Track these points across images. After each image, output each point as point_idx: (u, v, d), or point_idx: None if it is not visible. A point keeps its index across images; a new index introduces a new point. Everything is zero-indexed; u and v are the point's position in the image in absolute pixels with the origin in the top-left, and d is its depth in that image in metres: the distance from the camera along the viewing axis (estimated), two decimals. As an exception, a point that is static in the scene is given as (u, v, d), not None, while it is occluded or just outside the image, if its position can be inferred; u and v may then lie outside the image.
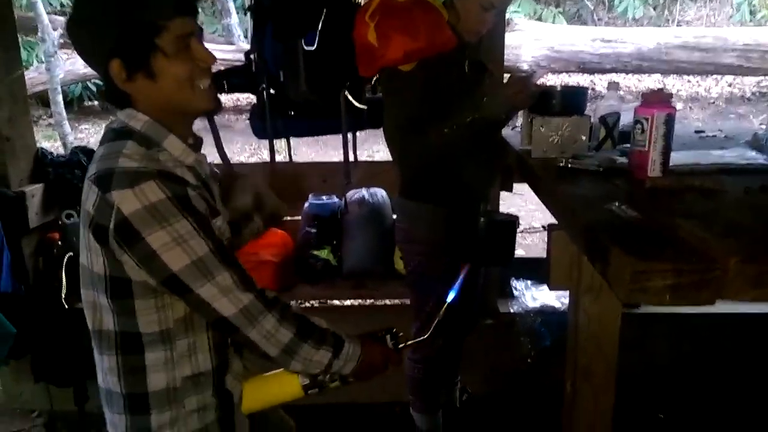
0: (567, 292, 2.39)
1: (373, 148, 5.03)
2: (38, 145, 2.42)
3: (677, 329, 2.36)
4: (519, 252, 2.84)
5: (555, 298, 2.42)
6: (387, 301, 2.50)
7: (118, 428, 1.08)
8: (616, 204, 1.25)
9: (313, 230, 2.43)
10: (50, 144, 6.00)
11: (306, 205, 2.47)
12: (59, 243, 2.31)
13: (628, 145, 1.55)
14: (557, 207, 1.37)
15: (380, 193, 2.46)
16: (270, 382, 1.18)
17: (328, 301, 2.50)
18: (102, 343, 1.05)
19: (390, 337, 1.24)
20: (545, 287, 2.49)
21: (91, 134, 7.09)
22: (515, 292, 2.47)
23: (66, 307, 2.22)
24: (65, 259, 2.26)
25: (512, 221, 1.46)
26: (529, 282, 2.52)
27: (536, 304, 2.41)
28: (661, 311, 2.30)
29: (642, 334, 2.33)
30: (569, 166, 1.63)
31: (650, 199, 1.31)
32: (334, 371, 1.11)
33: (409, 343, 1.29)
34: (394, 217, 2.45)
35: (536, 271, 2.54)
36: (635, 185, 1.43)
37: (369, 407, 2.33)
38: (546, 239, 1.43)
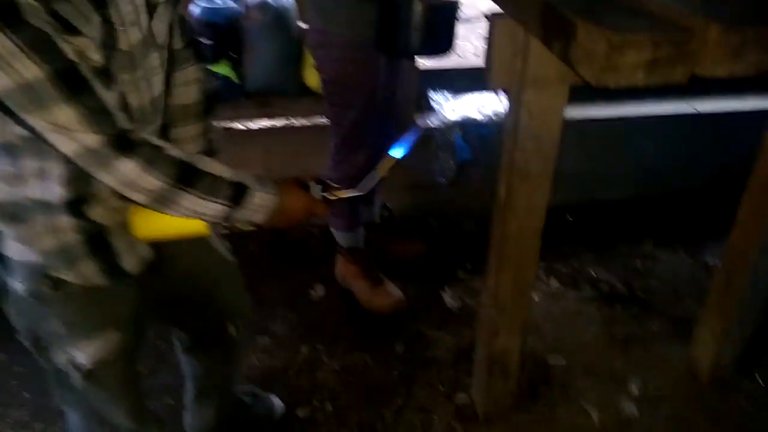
0: (487, 103, 2.35)
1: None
2: None
3: (584, 133, 2.38)
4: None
5: (476, 111, 2.32)
6: (301, 121, 2.29)
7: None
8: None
9: (208, 41, 2.09)
10: None
11: (195, 9, 2.09)
12: None
13: None
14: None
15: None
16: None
17: (232, 124, 2.24)
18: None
19: (320, 186, 1.11)
20: (464, 97, 2.39)
21: None
22: (433, 105, 2.33)
23: None
24: None
25: (452, 3, 1.26)
26: (447, 94, 2.38)
27: (456, 117, 2.30)
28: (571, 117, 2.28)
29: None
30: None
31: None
32: (236, 219, 0.98)
33: (341, 196, 1.14)
34: (302, 25, 2.17)
35: (454, 81, 2.40)
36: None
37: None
38: (487, 32, 1.25)
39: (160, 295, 1.16)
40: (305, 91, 2.25)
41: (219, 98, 1.24)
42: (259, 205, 0.97)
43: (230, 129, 2.24)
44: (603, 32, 0.82)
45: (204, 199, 0.91)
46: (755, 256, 1.49)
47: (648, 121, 2.47)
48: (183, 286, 1.21)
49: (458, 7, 1.26)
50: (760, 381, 1.72)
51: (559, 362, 1.79)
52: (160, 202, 0.90)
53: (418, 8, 1.19)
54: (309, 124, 2.28)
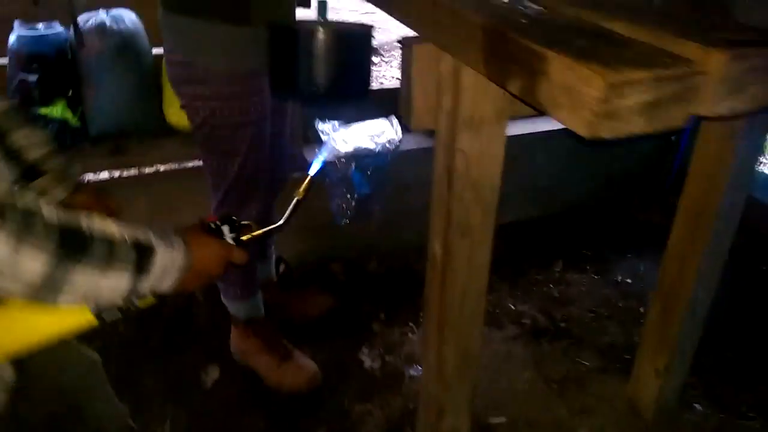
0: (380, 130, 2.12)
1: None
2: None
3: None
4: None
5: (369, 140, 2.09)
6: (167, 167, 1.91)
7: None
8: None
9: (33, 77, 1.66)
10: None
11: (12, 39, 1.65)
12: None
13: None
14: (421, 9, 0.95)
15: (127, 15, 1.75)
16: (35, 313, 0.78)
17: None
18: None
19: (228, 227, 0.95)
20: (354, 126, 2.15)
21: None
22: (323, 137, 2.07)
23: None
24: None
25: (365, 32, 1.00)
26: (336, 123, 2.12)
27: (349, 148, 2.05)
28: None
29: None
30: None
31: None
32: (140, 293, 0.77)
33: (257, 232, 1.00)
34: (155, 50, 1.80)
35: (340, 108, 2.16)
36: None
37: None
38: (401, 58, 1.01)
39: (22, 426, 0.87)
40: (168, 130, 1.88)
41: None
42: (167, 266, 0.78)
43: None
44: (593, 67, 0.61)
45: (102, 271, 0.70)
46: (693, 284, 1.39)
47: (536, 138, 2.39)
48: (49, 405, 0.94)
49: (373, 36, 1.00)
50: (701, 409, 1.65)
51: (501, 420, 1.59)
52: (47, 289, 0.66)
53: (322, 38, 0.92)
54: (178, 167, 1.91)
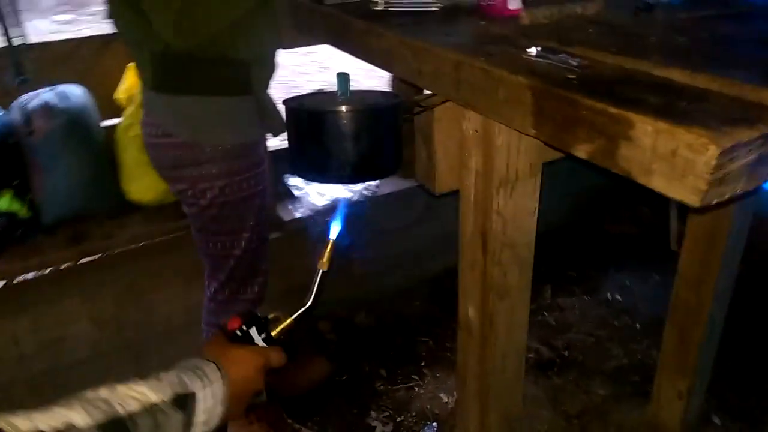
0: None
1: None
2: None
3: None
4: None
5: (344, 189, 2.01)
6: (133, 247, 1.74)
7: None
8: (536, 50, 0.83)
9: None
10: None
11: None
12: None
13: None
14: (439, 67, 0.88)
15: (74, 91, 1.60)
16: None
17: (35, 273, 1.62)
18: None
19: (255, 327, 0.85)
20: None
21: None
22: (295, 192, 1.97)
23: None
24: None
25: (394, 104, 0.92)
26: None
27: (325, 201, 1.95)
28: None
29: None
30: (390, 9, 1.15)
31: (553, 38, 0.91)
32: None
33: (287, 322, 0.89)
34: (106, 123, 1.66)
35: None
36: (505, 25, 1.02)
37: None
38: (418, 120, 0.94)
39: None
40: (128, 207, 1.73)
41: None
42: (210, 408, 0.70)
43: (35, 278, 1.62)
44: (696, 131, 0.56)
45: None
46: (710, 308, 1.38)
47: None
48: None
49: (401, 105, 0.92)
50: (719, 422, 1.64)
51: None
52: None
53: (349, 120, 0.83)
54: (145, 246, 1.75)
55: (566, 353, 1.92)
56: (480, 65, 0.81)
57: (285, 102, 0.91)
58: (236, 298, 1.39)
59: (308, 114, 0.85)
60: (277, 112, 1.31)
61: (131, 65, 1.66)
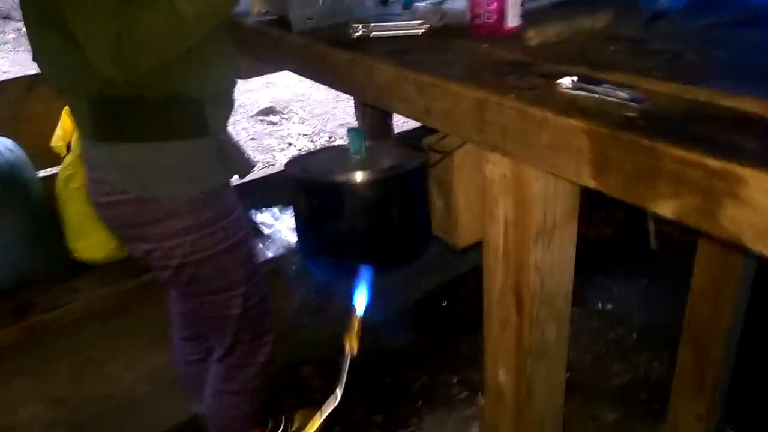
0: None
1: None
2: None
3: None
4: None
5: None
6: (86, 312, 1.52)
7: None
8: (571, 80, 0.71)
9: None
10: None
11: None
12: None
13: None
14: (456, 102, 0.75)
15: (4, 144, 1.38)
16: None
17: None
18: None
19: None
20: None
21: None
22: (264, 230, 1.79)
23: None
24: None
25: (420, 163, 0.77)
26: (275, 210, 1.86)
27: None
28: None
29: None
30: (371, 35, 1.01)
31: (579, 62, 0.79)
32: None
33: (317, 424, 0.82)
34: (43, 174, 1.45)
35: (270, 191, 1.90)
36: (511, 48, 0.89)
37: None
38: (433, 166, 0.80)
39: None
40: (77, 267, 1.52)
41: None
42: None
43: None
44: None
45: None
46: (728, 325, 1.30)
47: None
48: None
49: (427, 164, 0.77)
50: (735, 436, 1.58)
51: None
52: None
53: (370, 192, 0.67)
54: (101, 309, 1.54)
55: (567, 374, 1.83)
56: (511, 104, 0.68)
57: (288, 167, 0.75)
58: (250, 362, 1.23)
59: (317, 185, 0.69)
60: (240, 151, 1.15)
61: (67, 108, 1.45)
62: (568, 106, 0.65)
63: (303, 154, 0.80)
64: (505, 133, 0.70)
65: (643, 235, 2.35)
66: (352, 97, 4.10)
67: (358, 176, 0.68)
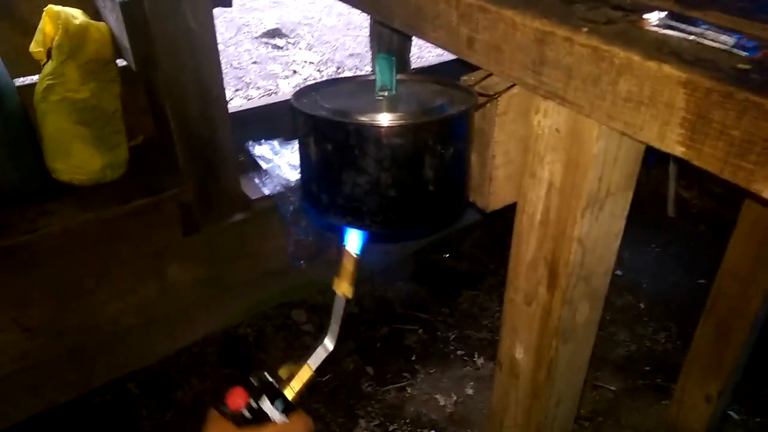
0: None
1: None
2: None
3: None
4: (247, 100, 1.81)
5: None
6: (65, 237, 1.41)
7: None
8: (659, 17, 0.57)
9: None
10: None
11: None
12: None
13: None
14: (509, 33, 0.60)
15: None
16: None
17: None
18: None
19: (268, 397, 0.63)
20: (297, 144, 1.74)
21: None
22: (262, 164, 1.66)
23: None
24: None
25: (470, 106, 0.63)
26: (275, 143, 1.72)
27: (298, 174, 1.66)
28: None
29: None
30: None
31: None
32: None
33: (307, 377, 0.67)
34: (21, 82, 1.30)
35: (273, 123, 1.75)
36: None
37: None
38: (477, 111, 0.66)
39: None
40: (56, 189, 1.39)
41: None
42: None
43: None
44: None
45: None
46: (757, 306, 1.20)
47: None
48: None
49: (473, 106, 0.63)
50: (737, 417, 1.52)
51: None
52: None
53: (405, 139, 0.53)
54: (80, 234, 1.42)
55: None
56: (584, 41, 0.54)
57: (297, 98, 0.61)
58: None
59: (340, 129, 0.54)
60: None
61: (49, 8, 1.28)
62: (659, 48, 0.52)
63: (315, 85, 0.65)
64: (569, 78, 0.57)
65: (660, 199, 2.23)
66: (363, 26, 3.83)
67: (390, 118, 0.54)
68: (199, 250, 1.61)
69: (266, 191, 1.60)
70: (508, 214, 0.77)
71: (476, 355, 1.68)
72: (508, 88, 0.64)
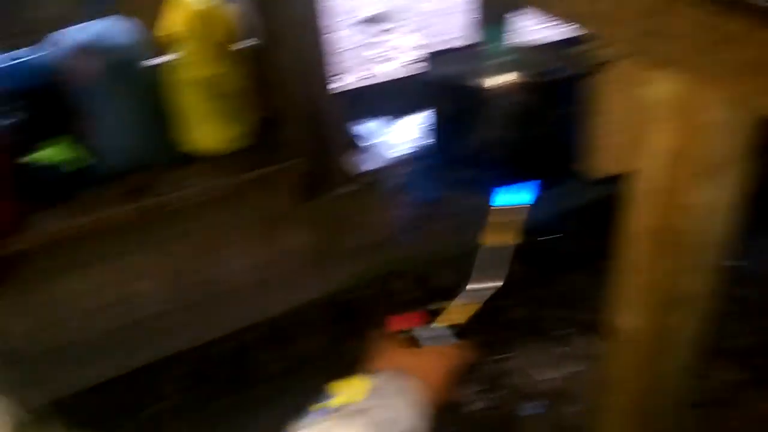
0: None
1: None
2: None
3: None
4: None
5: (422, 134, 1.74)
6: (200, 200, 1.55)
7: None
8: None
9: (18, 117, 1.31)
10: None
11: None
12: None
13: None
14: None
15: (119, 25, 1.37)
16: None
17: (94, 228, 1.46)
18: None
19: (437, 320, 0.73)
20: (399, 122, 1.79)
21: None
22: (368, 141, 1.73)
23: None
24: None
25: (581, 71, 0.66)
26: (379, 122, 1.78)
27: (403, 148, 1.71)
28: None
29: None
30: None
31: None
32: None
33: (462, 314, 0.75)
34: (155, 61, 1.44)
35: (375, 103, 1.80)
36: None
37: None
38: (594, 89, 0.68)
39: None
40: (188, 158, 1.54)
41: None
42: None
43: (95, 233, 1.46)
44: None
45: None
46: None
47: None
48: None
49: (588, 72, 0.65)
50: None
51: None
52: None
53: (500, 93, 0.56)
54: (214, 198, 1.55)
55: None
56: (701, 8, 0.54)
57: (431, 67, 0.65)
58: None
59: (470, 90, 0.58)
60: None
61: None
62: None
63: (434, 54, 0.68)
64: (684, 45, 0.56)
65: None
66: (463, 11, 3.80)
67: (505, 79, 0.58)
68: (309, 219, 1.72)
69: (368, 167, 1.67)
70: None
71: (578, 335, 1.67)
72: (620, 57, 0.65)
